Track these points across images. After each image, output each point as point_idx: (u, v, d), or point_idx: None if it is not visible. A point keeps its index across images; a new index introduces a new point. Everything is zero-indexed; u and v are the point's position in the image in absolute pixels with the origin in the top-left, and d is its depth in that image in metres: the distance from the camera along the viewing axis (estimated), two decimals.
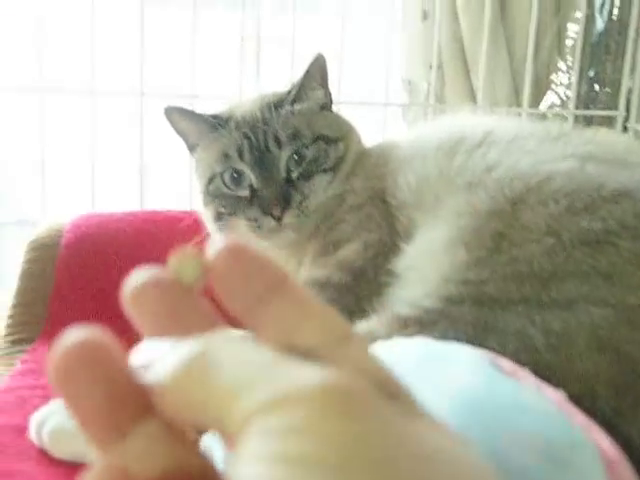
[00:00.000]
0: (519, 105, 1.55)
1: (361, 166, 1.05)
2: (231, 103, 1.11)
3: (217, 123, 1.03)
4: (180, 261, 0.30)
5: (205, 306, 0.31)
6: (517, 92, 1.57)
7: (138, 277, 0.30)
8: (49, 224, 1.26)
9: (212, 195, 1.05)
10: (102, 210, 1.36)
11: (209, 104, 1.39)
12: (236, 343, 0.27)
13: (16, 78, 1.47)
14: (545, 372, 0.66)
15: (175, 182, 1.53)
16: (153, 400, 0.27)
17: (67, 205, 1.71)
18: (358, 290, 0.91)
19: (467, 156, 0.90)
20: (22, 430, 0.82)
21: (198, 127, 1.06)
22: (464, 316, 0.74)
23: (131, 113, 1.44)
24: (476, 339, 0.70)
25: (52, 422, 0.79)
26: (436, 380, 0.52)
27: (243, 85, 1.46)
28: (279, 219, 0.98)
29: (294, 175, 1.01)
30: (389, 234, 0.94)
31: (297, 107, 1.03)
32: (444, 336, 0.72)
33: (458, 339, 0.70)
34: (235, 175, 1.02)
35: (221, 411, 0.25)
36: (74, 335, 0.27)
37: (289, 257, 1.03)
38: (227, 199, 1.03)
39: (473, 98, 1.58)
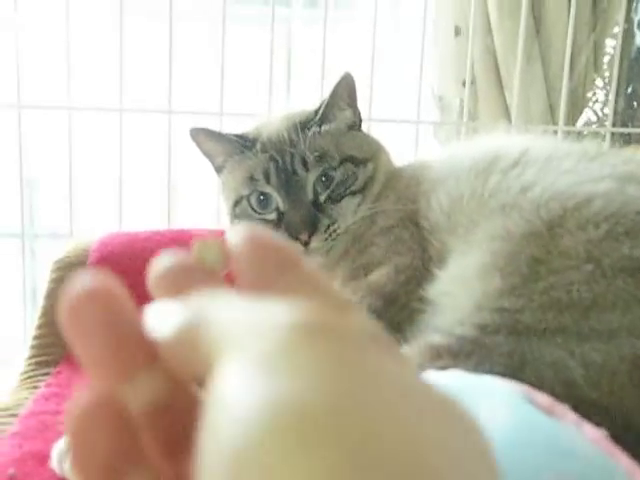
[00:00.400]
0: (555, 123, 1.51)
1: (392, 187, 1.02)
2: (258, 122, 1.09)
3: (243, 144, 1.02)
4: (203, 246, 0.32)
5: (225, 289, 0.32)
6: (552, 109, 1.53)
7: (164, 260, 0.32)
8: (75, 242, 1.25)
9: (239, 218, 1.03)
10: (130, 228, 1.35)
11: (238, 121, 1.38)
12: (223, 296, 0.29)
13: (45, 96, 1.46)
14: (585, 408, 0.63)
15: (203, 200, 1.52)
16: (158, 352, 0.28)
17: (96, 222, 1.71)
18: (389, 316, 0.88)
19: (502, 176, 0.87)
20: (44, 458, 0.80)
21: (224, 148, 1.04)
22: (499, 346, 0.71)
23: (159, 130, 1.43)
24: (512, 371, 0.68)
25: None
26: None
27: (273, 101, 1.43)
28: (306, 244, 0.96)
29: (322, 198, 0.98)
30: (421, 258, 0.91)
31: (324, 128, 1.00)
32: (478, 367, 0.69)
33: (493, 370, 0.68)
34: (262, 198, 1.00)
35: (211, 360, 0.26)
36: (89, 277, 0.29)
37: None
38: (254, 222, 1.01)
39: (507, 115, 1.54)
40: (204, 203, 1.48)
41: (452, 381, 0.57)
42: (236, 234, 0.31)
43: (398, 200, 0.99)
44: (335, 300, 0.30)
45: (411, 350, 0.75)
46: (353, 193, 1.00)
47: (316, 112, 1.02)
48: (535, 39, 1.51)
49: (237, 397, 0.24)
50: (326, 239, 0.97)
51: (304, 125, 1.01)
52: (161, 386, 0.29)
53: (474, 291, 0.78)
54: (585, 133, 1.57)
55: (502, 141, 0.99)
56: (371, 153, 1.04)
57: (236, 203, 1.03)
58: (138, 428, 0.29)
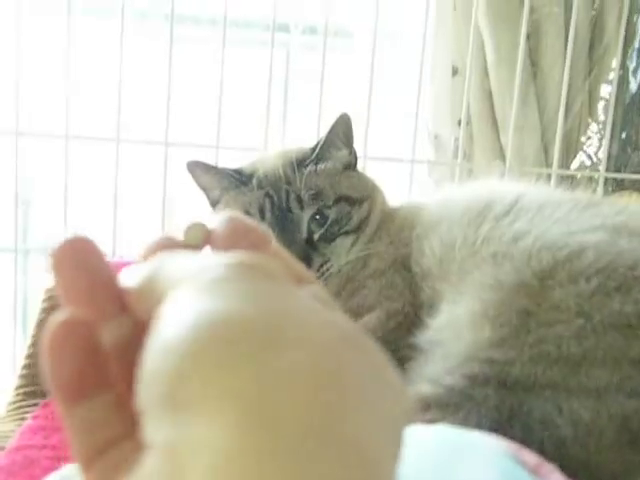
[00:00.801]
0: (548, 165, 1.53)
1: (386, 229, 1.02)
2: (255, 158, 1.09)
3: (240, 179, 1.02)
4: (189, 227, 0.36)
5: None
6: (546, 151, 1.54)
7: (154, 237, 0.36)
8: None
9: None
10: (124, 256, 1.35)
11: (234, 154, 1.38)
12: (180, 254, 0.33)
13: (43, 122, 1.47)
14: (573, 466, 0.63)
15: None
16: (127, 300, 0.32)
17: None
18: None
19: (494, 223, 0.87)
20: None
21: (220, 183, 1.04)
22: (488, 399, 0.71)
23: (156, 160, 1.44)
24: (500, 425, 0.68)
25: None
26: (453, 472, 0.49)
27: (269, 132, 1.44)
28: None
29: (316, 237, 0.99)
30: (412, 304, 0.91)
31: (320, 167, 1.01)
32: (467, 420, 0.69)
33: (482, 424, 0.68)
34: None
35: (164, 297, 0.30)
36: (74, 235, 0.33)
37: None
38: None
39: (501, 156, 1.55)
40: None
41: (438, 435, 0.57)
42: (219, 217, 0.36)
43: (391, 243, 0.99)
44: (294, 270, 0.36)
45: None
46: (347, 233, 1.00)
47: (313, 150, 1.03)
48: (531, 82, 1.52)
49: (172, 316, 0.28)
50: (319, 277, 0.97)
51: (300, 163, 1.01)
52: (129, 328, 0.33)
53: (464, 340, 0.78)
54: (579, 177, 1.58)
55: (495, 187, 0.99)
56: (367, 193, 1.04)
57: None
58: (106, 356, 0.32)
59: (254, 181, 1.01)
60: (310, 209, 0.98)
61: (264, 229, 0.36)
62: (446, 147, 1.59)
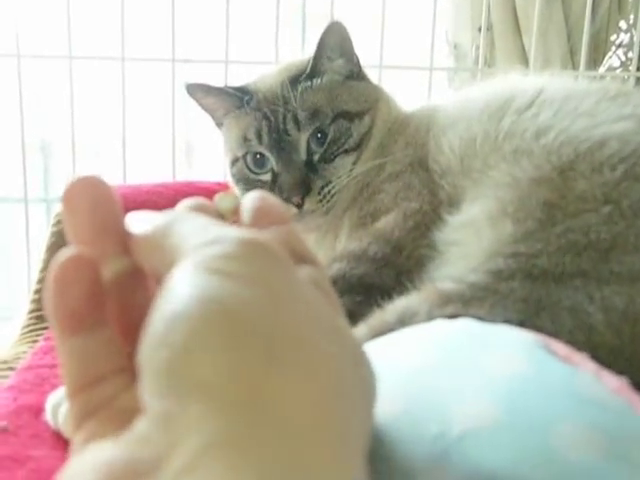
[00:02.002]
0: (575, 68, 1.45)
1: (400, 132, 0.97)
2: (261, 73, 1.04)
3: (241, 99, 0.97)
4: (221, 196, 0.40)
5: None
6: (573, 54, 1.46)
7: (187, 201, 0.39)
8: None
9: (236, 178, 1.00)
10: (134, 181, 1.32)
11: (245, 70, 1.33)
12: (195, 216, 0.35)
13: (45, 46, 1.42)
14: (605, 355, 0.60)
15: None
16: (130, 245, 0.35)
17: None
18: (397, 263, 0.84)
19: (516, 117, 0.82)
20: (38, 411, 0.77)
21: (223, 103, 1.00)
22: (514, 292, 0.67)
23: (164, 80, 1.39)
24: (527, 317, 0.64)
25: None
26: (480, 364, 0.45)
27: (280, 48, 1.38)
28: (299, 206, 0.92)
29: (315, 158, 0.94)
30: (430, 203, 0.86)
31: (316, 82, 0.95)
32: (491, 313, 0.66)
33: (507, 317, 0.64)
34: (258, 157, 0.96)
35: (171, 256, 0.32)
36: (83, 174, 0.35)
37: (325, 234, 0.96)
38: (250, 183, 0.98)
39: (525, 61, 1.48)
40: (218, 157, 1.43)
41: (461, 327, 0.53)
42: (251, 194, 0.39)
43: (407, 145, 0.94)
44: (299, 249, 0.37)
45: (419, 296, 0.71)
46: (346, 151, 0.95)
47: (307, 65, 0.97)
48: None
49: (183, 288, 0.29)
50: (320, 201, 0.93)
51: (295, 80, 0.96)
52: (128, 269, 0.35)
53: (485, 238, 0.74)
54: (608, 79, 1.50)
55: (517, 81, 0.93)
56: (368, 105, 0.98)
57: (233, 163, 1.00)
58: (105, 294, 0.35)
59: (253, 102, 0.97)
60: (307, 129, 0.94)
61: (286, 209, 0.39)
62: (466, 55, 1.52)
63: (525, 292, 0.66)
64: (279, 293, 0.30)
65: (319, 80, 0.96)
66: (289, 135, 0.94)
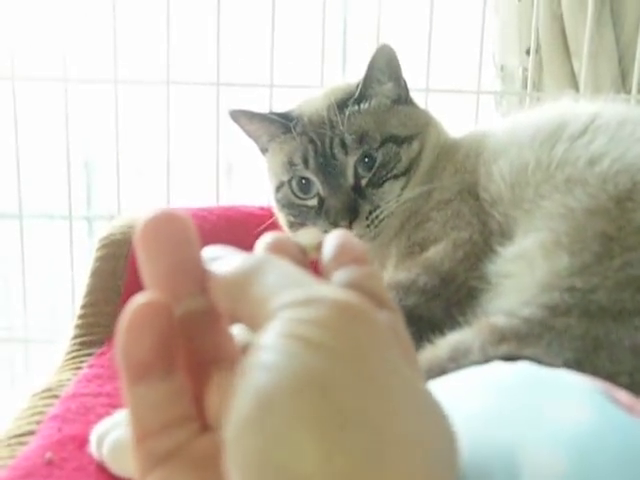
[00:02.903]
0: (627, 92, 1.41)
1: (449, 159, 0.96)
2: (303, 99, 1.04)
3: (286, 125, 0.97)
4: (304, 231, 0.43)
5: (304, 263, 0.38)
6: (624, 77, 1.43)
7: (272, 235, 0.38)
8: (123, 220, 1.22)
9: (281, 203, 0.99)
10: (177, 205, 1.31)
11: (288, 94, 1.32)
12: (282, 263, 0.33)
13: (86, 70, 1.43)
14: None
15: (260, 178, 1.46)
16: (209, 284, 0.33)
17: (146, 200, 1.68)
18: (447, 295, 0.81)
19: (569, 145, 0.80)
20: (83, 442, 0.76)
21: (267, 129, 1.00)
22: (571, 328, 0.65)
23: (209, 104, 1.38)
24: (585, 355, 0.62)
25: (115, 435, 0.73)
26: (544, 412, 0.43)
27: (326, 72, 1.37)
28: None
29: (363, 182, 0.93)
30: (481, 233, 0.84)
31: (364, 106, 0.95)
32: (548, 352, 0.64)
33: (564, 355, 0.62)
34: (303, 182, 0.95)
35: (256, 307, 0.31)
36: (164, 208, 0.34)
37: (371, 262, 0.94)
38: (296, 208, 0.96)
39: (574, 85, 1.45)
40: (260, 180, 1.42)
41: (520, 372, 0.51)
42: (332, 233, 0.38)
43: (456, 172, 0.93)
44: (380, 297, 0.35)
45: (472, 332, 0.69)
46: (396, 177, 0.94)
47: (355, 88, 0.96)
48: (606, 1, 1.40)
49: (271, 356, 0.28)
50: (368, 226, 0.91)
51: (342, 104, 0.95)
52: (202, 308, 0.34)
53: (540, 270, 0.72)
54: None
55: (569, 106, 0.91)
56: (417, 129, 0.97)
57: (278, 189, 0.99)
58: (177, 341, 0.33)
59: (299, 127, 0.96)
60: (355, 153, 0.93)
61: (366, 250, 0.38)
62: (514, 78, 1.49)
63: (582, 329, 0.64)
64: (380, 373, 0.29)
65: (367, 104, 0.95)
66: (336, 159, 0.92)
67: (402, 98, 0.98)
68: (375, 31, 1.36)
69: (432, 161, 0.96)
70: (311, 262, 0.39)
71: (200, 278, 0.33)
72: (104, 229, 1.19)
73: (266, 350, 0.28)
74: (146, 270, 0.33)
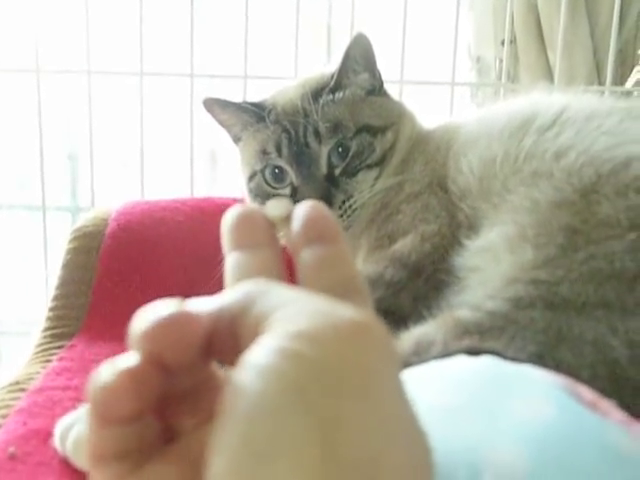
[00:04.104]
0: (601, 83, 1.41)
1: (420, 151, 0.95)
2: (277, 89, 1.03)
3: (259, 114, 0.97)
4: (273, 203, 0.39)
5: (273, 237, 0.39)
6: (599, 69, 1.43)
7: (239, 208, 0.38)
8: (95, 212, 1.21)
9: (253, 193, 0.99)
10: (152, 196, 1.31)
11: (263, 85, 1.31)
12: (281, 286, 0.32)
13: (61, 60, 1.42)
14: (629, 391, 0.58)
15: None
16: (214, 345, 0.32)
17: (120, 191, 1.68)
18: (413, 287, 0.82)
19: (537, 137, 0.80)
20: (47, 436, 0.76)
21: (240, 119, 0.99)
22: (534, 322, 0.65)
23: (182, 95, 1.38)
24: (547, 348, 0.62)
25: (78, 429, 0.72)
26: (507, 407, 0.44)
27: (299, 64, 1.36)
28: None
29: (336, 172, 0.93)
30: (449, 225, 0.84)
31: (338, 95, 0.94)
32: (510, 346, 0.63)
33: (527, 349, 0.63)
34: (277, 172, 0.95)
35: (258, 322, 0.30)
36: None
37: None
38: (268, 197, 0.96)
39: (549, 76, 1.45)
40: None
41: (486, 368, 0.51)
42: (305, 203, 0.38)
43: (427, 164, 0.92)
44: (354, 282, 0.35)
45: (436, 325, 0.69)
46: (369, 166, 0.94)
47: (330, 78, 0.96)
48: None
49: (256, 371, 0.27)
50: (341, 215, 0.91)
51: (316, 93, 0.95)
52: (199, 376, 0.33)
53: (504, 264, 0.72)
54: (635, 94, 1.46)
55: (540, 99, 0.90)
56: (391, 120, 0.97)
57: (250, 178, 0.99)
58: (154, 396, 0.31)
59: (272, 116, 0.95)
60: (329, 143, 0.92)
61: (336, 223, 0.38)
62: (489, 69, 1.50)
63: (545, 322, 0.64)
64: (383, 404, 0.28)
65: (341, 94, 0.94)
66: (309, 148, 0.92)
67: (376, 89, 0.98)
68: (349, 22, 1.35)
69: (405, 153, 0.96)
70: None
71: (202, 352, 0.32)
72: (78, 221, 1.19)
73: (254, 367, 0.27)
74: (143, 352, 0.31)
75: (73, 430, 0.73)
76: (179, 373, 0.32)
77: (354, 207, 0.92)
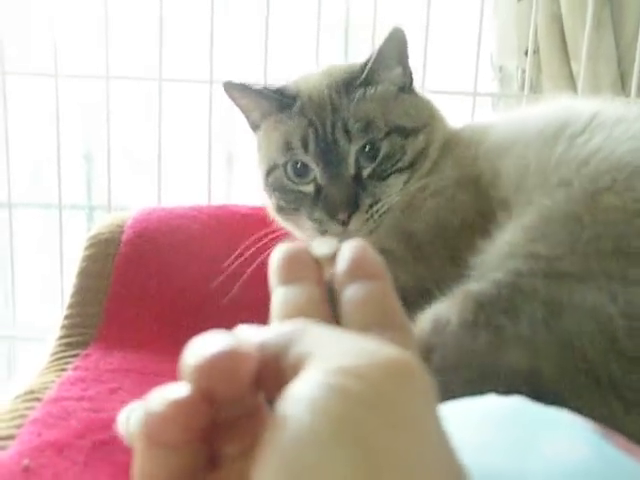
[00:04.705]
0: (626, 95, 1.39)
1: (450, 152, 0.92)
2: (301, 75, 0.99)
3: (282, 102, 0.92)
4: (319, 242, 0.40)
5: (319, 274, 0.39)
6: (623, 80, 1.41)
7: (286, 247, 0.39)
8: (111, 218, 1.20)
9: (272, 187, 0.95)
10: (169, 203, 1.30)
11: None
12: (321, 325, 0.33)
13: (77, 65, 1.41)
14: (624, 363, 0.59)
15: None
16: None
17: (138, 197, 1.67)
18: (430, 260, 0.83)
19: (568, 144, 0.78)
20: (61, 448, 0.75)
21: (260, 105, 0.95)
22: (536, 291, 0.65)
23: (201, 101, 1.37)
24: (551, 318, 0.62)
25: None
26: (540, 448, 0.42)
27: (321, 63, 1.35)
28: (344, 224, 0.87)
29: (365, 173, 0.89)
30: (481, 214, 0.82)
31: (370, 91, 0.90)
32: (520, 315, 0.64)
33: (535, 317, 0.63)
34: (299, 166, 0.91)
35: (300, 360, 0.30)
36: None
37: None
38: (289, 193, 0.93)
39: (573, 87, 1.43)
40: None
41: (518, 407, 0.50)
42: (349, 243, 0.38)
43: (455, 164, 0.89)
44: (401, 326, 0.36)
45: (450, 303, 0.70)
46: (400, 170, 0.90)
47: (362, 69, 0.91)
48: (606, 2, 1.38)
49: (305, 405, 0.27)
50: (367, 220, 0.88)
51: (348, 85, 0.90)
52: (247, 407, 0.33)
53: (505, 245, 0.73)
54: None
55: (572, 104, 0.88)
56: (423, 122, 0.93)
57: (269, 171, 0.95)
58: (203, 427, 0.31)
59: (297, 105, 0.91)
60: (358, 142, 0.88)
61: (383, 263, 0.38)
62: (511, 79, 1.48)
63: (547, 292, 0.64)
64: (425, 436, 0.28)
65: (373, 89, 0.90)
66: (338, 146, 0.88)
67: (407, 86, 0.94)
68: (371, 31, 1.34)
69: (436, 156, 0.93)
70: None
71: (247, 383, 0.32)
72: (93, 228, 1.18)
73: (300, 402, 0.28)
74: (194, 385, 0.31)
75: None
76: (228, 405, 0.32)
77: (381, 211, 0.89)
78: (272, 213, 0.99)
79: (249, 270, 1.00)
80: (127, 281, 1.09)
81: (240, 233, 1.08)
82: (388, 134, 0.89)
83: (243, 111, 0.97)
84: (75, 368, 0.96)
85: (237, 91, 0.94)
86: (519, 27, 1.45)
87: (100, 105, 1.39)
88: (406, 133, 0.91)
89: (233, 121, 1.60)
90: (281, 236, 0.99)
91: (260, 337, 0.33)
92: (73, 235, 1.49)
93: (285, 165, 0.92)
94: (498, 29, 1.48)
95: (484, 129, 0.92)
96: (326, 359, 0.29)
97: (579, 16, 1.38)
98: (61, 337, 1.04)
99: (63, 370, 0.96)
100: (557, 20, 1.42)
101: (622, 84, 1.42)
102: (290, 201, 0.93)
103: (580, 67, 1.37)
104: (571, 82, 1.43)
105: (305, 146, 0.89)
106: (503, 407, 0.49)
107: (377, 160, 0.89)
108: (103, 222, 1.19)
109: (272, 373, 0.32)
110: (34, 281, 1.80)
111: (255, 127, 0.98)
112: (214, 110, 1.35)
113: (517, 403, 0.49)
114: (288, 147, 0.91)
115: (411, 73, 0.95)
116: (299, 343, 0.31)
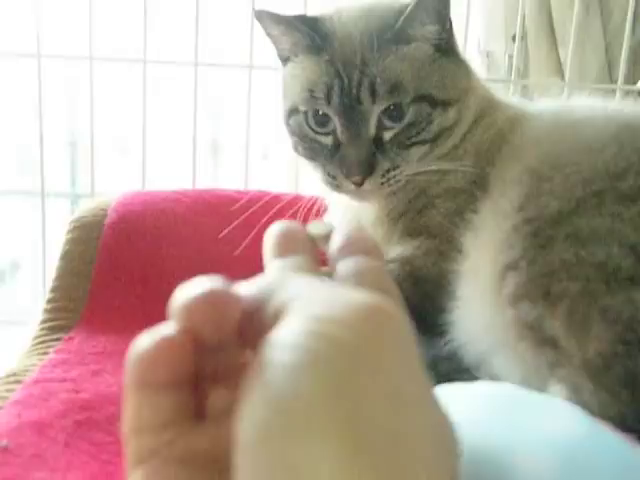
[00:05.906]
0: (613, 81, 1.39)
1: (474, 139, 0.89)
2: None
3: (312, 42, 0.87)
4: (314, 223, 0.41)
5: (313, 253, 0.40)
6: (611, 67, 1.41)
7: (280, 225, 0.40)
8: (94, 202, 1.18)
9: (292, 129, 0.92)
10: (153, 187, 1.29)
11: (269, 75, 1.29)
12: (299, 276, 0.34)
13: (63, 45, 1.39)
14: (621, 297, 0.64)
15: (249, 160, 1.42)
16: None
17: (122, 181, 1.65)
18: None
19: (610, 156, 0.76)
20: (42, 428, 0.74)
21: (291, 38, 0.89)
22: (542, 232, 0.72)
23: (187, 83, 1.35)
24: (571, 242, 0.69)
25: None
26: (532, 421, 0.44)
27: None
28: (358, 184, 0.84)
29: (386, 136, 0.85)
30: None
31: (402, 49, 0.84)
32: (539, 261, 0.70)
33: (553, 264, 0.68)
34: (320, 114, 0.87)
35: (279, 310, 0.31)
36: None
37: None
38: (307, 141, 0.89)
39: (560, 73, 1.43)
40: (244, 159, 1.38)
41: (508, 393, 0.51)
42: (347, 225, 0.39)
43: (477, 156, 0.87)
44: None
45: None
46: (424, 142, 0.86)
47: (396, 19, 0.84)
48: None
49: (290, 353, 0.28)
50: (382, 184, 0.85)
51: (382, 35, 0.84)
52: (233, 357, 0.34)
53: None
54: None
55: (609, 109, 0.86)
56: (456, 95, 0.87)
57: (291, 113, 0.91)
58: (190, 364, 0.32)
59: (326, 52, 0.86)
60: (383, 103, 0.83)
61: (379, 248, 0.39)
62: (499, 64, 1.47)
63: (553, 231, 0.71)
64: (401, 378, 0.29)
65: (406, 47, 0.85)
66: (361, 104, 0.84)
67: (443, 48, 0.87)
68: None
69: (459, 139, 0.89)
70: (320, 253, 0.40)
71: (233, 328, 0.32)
72: (76, 211, 1.16)
73: (284, 347, 0.28)
74: (177, 316, 0.32)
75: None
76: (213, 351, 0.33)
77: (398, 178, 0.85)
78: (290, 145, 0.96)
79: (236, 252, 0.99)
80: (111, 265, 1.08)
81: (225, 216, 1.07)
82: (415, 100, 0.84)
83: (272, 41, 0.92)
84: (58, 351, 0.95)
85: (269, 20, 0.89)
86: (507, 12, 1.44)
87: (85, 91, 1.37)
88: (435, 103, 0.86)
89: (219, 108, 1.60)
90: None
91: (242, 289, 0.33)
92: (57, 222, 1.47)
93: (306, 113, 0.88)
94: (486, 14, 1.48)
95: (520, 120, 0.88)
96: (306, 306, 0.30)
97: (567, 2, 1.37)
98: (44, 321, 1.02)
99: (45, 353, 0.95)
100: (545, 6, 1.42)
101: (609, 71, 1.42)
102: (307, 149, 0.90)
103: (568, 53, 1.36)
104: (558, 68, 1.44)
105: (329, 99, 0.85)
106: (495, 390, 0.50)
107: (401, 125, 0.85)
108: (86, 206, 1.17)
109: (255, 323, 0.32)
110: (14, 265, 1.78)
111: (282, 59, 0.93)
112: (200, 96, 1.34)
113: (508, 388, 0.50)
114: (311, 95, 0.87)
115: (452, 34, 0.89)
116: (279, 293, 0.32)
